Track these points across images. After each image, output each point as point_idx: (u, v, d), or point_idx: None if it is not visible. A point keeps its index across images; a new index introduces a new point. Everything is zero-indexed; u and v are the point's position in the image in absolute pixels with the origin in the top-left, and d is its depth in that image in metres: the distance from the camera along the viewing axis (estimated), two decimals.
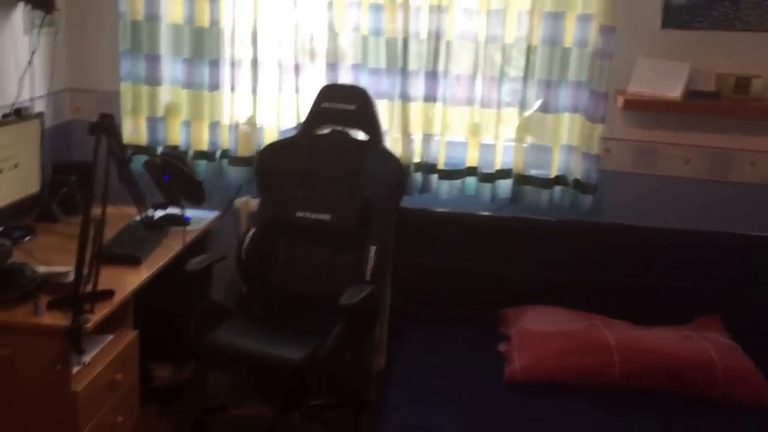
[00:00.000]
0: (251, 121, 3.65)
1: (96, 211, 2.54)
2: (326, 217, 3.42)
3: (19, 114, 3.20)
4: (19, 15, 3.34)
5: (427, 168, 3.60)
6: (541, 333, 3.11)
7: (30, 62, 3.38)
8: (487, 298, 3.48)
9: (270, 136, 3.66)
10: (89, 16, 3.73)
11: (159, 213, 3.36)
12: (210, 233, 3.70)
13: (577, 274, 3.48)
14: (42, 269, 2.72)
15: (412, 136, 3.58)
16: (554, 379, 2.94)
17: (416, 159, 3.60)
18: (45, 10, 3.39)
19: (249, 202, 3.72)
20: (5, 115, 3.18)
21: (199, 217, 3.56)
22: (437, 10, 3.43)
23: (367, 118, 3.49)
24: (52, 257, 2.93)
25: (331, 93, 3.52)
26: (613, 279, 3.46)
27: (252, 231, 3.49)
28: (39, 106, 3.47)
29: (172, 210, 3.44)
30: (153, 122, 3.67)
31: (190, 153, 3.68)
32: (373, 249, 3.35)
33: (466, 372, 3.03)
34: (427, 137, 3.58)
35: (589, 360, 2.96)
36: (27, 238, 3.17)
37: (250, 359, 3.10)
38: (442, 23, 3.45)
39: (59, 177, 3.47)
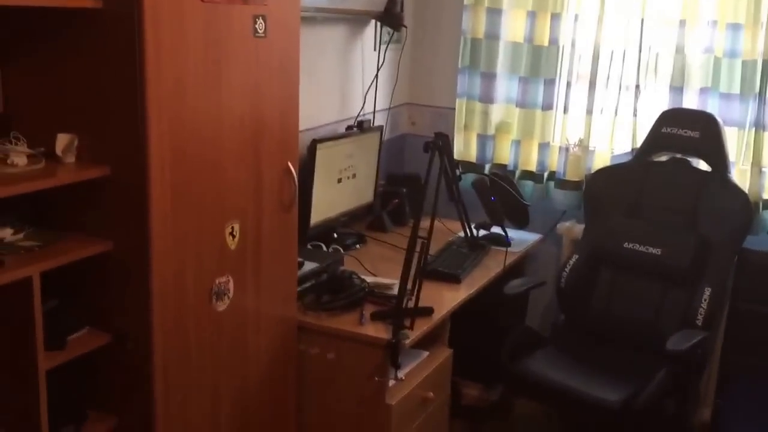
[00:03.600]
0: (583, 144, 3.50)
1: (423, 227, 2.56)
2: (657, 251, 3.18)
3: (361, 127, 3.35)
4: (371, 32, 3.52)
5: None
6: None
7: (376, 77, 3.53)
8: None
9: (601, 161, 3.49)
10: (432, 33, 3.82)
11: (482, 232, 3.34)
12: (528, 256, 3.62)
13: None
14: (369, 279, 2.80)
15: (763, 169, 3.22)
16: None
17: (766, 195, 3.23)
18: (394, 28, 3.53)
19: (573, 228, 3.58)
20: (349, 127, 3.35)
21: (520, 239, 3.50)
22: None
23: (712, 147, 3.19)
24: (378, 266, 3.03)
25: (674, 118, 3.27)
26: None
27: (574, 258, 3.34)
28: (379, 120, 3.61)
29: (495, 230, 3.42)
30: (483, 140, 3.67)
31: (517, 173, 3.63)
32: (707, 291, 3.05)
33: None
34: None
35: None
36: (357, 246, 3.30)
37: (563, 395, 2.96)
38: None
39: (391, 188, 3.60)
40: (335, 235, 3.26)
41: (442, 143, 2.62)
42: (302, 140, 2.99)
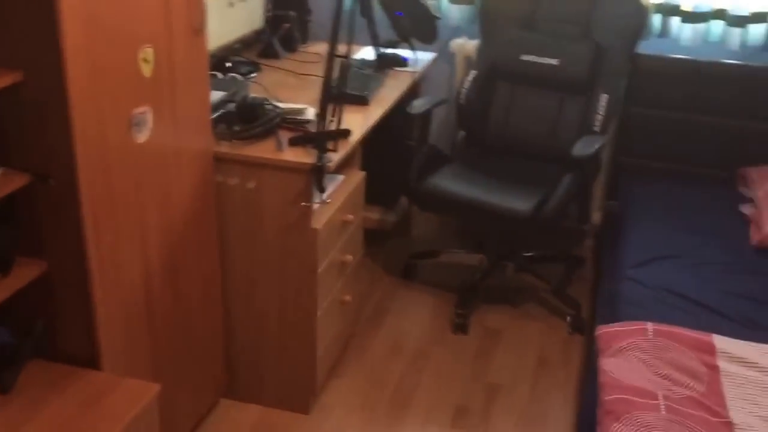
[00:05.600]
0: None
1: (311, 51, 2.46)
2: (554, 61, 3.22)
3: None
4: None
5: (668, 9, 3.28)
6: None
7: None
8: (727, 155, 3.25)
9: None
10: None
11: (385, 51, 3.27)
12: (421, 76, 3.58)
13: None
14: (281, 105, 2.70)
15: None
16: None
17: None
18: None
19: (465, 45, 3.56)
20: None
21: (415, 58, 3.44)
22: None
23: None
24: (278, 93, 2.91)
25: None
26: None
27: (472, 74, 3.34)
28: None
29: (390, 50, 3.35)
30: None
31: None
32: (604, 98, 3.14)
33: (703, 233, 2.85)
34: None
35: None
36: (253, 74, 3.15)
37: (475, 207, 3.03)
38: None
39: (279, 13, 3.43)
40: (230, 65, 3.10)
41: None
42: None
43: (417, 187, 3.11)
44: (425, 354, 3.05)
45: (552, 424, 2.70)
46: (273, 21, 3.42)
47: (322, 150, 2.41)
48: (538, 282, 3.37)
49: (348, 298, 2.85)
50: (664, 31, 3.31)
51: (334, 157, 2.46)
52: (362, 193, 2.90)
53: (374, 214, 3.73)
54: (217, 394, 2.71)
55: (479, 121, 3.36)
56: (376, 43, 3.13)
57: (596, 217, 3.61)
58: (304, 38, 3.54)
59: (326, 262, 2.61)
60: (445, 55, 3.64)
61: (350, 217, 2.74)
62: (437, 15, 3.27)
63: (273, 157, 2.46)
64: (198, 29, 2.24)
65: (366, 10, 2.85)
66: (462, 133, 3.43)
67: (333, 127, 2.52)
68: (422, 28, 3.19)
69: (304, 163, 2.42)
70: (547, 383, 2.90)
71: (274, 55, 3.36)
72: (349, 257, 2.79)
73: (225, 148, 2.49)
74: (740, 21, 3.20)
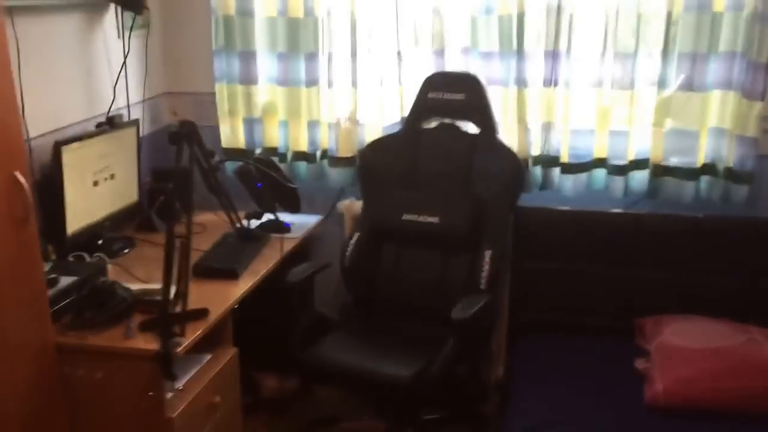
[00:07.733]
0: (352, 118, 3.41)
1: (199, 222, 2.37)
2: (435, 219, 3.15)
3: (112, 123, 3.08)
4: (111, 18, 3.21)
5: (548, 161, 3.25)
6: (688, 349, 2.71)
7: (123, 67, 3.25)
8: (620, 306, 3.12)
9: (372, 133, 3.41)
10: (180, 14, 3.55)
11: (255, 222, 3.20)
12: (313, 239, 3.51)
13: (728, 279, 3.05)
14: (136, 287, 2.58)
15: (529, 126, 3.25)
16: (704, 405, 2.56)
17: (535, 152, 3.27)
18: (134, 11, 3.22)
19: (353, 205, 3.50)
20: (99, 125, 3.07)
21: (301, 223, 3.37)
22: None
23: (479, 108, 3.17)
24: (150, 270, 2.80)
25: (438, 82, 3.21)
26: None
27: (356, 236, 3.26)
28: (136, 113, 3.35)
29: (272, 217, 3.28)
30: (250, 124, 3.49)
31: (289, 155, 3.48)
32: (488, 254, 3.05)
33: (597, 392, 2.70)
34: (547, 126, 3.22)
35: (749, 383, 2.56)
36: (126, 251, 3.05)
37: (356, 377, 2.88)
38: None
39: (158, 185, 3.36)
40: (100, 242, 3.00)
41: (188, 131, 2.42)
42: (44, 144, 2.75)
43: (298, 358, 2.95)
44: None
45: None
46: (151, 194, 3.35)
47: (167, 336, 2.27)
48: None
49: None
50: (547, 183, 3.27)
51: (183, 342, 2.32)
52: (234, 370, 2.74)
53: (272, 382, 3.56)
54: None
55: (365, 284, 3.25)
56: (234, 216, 3.03)
57: (501, 372, 3.46)
58: (171, 216, 3.46)
59: None
60: (336, 217, 3.57)
61: (217, 399, 2.57)
62: (293, 185, 3.20)
63: (118, 345, 2.33)
64: (22, 221, 2.14)
65: (213, 185, 2.77)
66: (351, 297, 3.31)
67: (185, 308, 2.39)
68: (284, 197, 3.13)
69: (149, 350, 2.27)
70: None
71: (152, 229, 3.27)
72: None
73: (72, 338, 2.35)
74: (621, 170, 3.18)
